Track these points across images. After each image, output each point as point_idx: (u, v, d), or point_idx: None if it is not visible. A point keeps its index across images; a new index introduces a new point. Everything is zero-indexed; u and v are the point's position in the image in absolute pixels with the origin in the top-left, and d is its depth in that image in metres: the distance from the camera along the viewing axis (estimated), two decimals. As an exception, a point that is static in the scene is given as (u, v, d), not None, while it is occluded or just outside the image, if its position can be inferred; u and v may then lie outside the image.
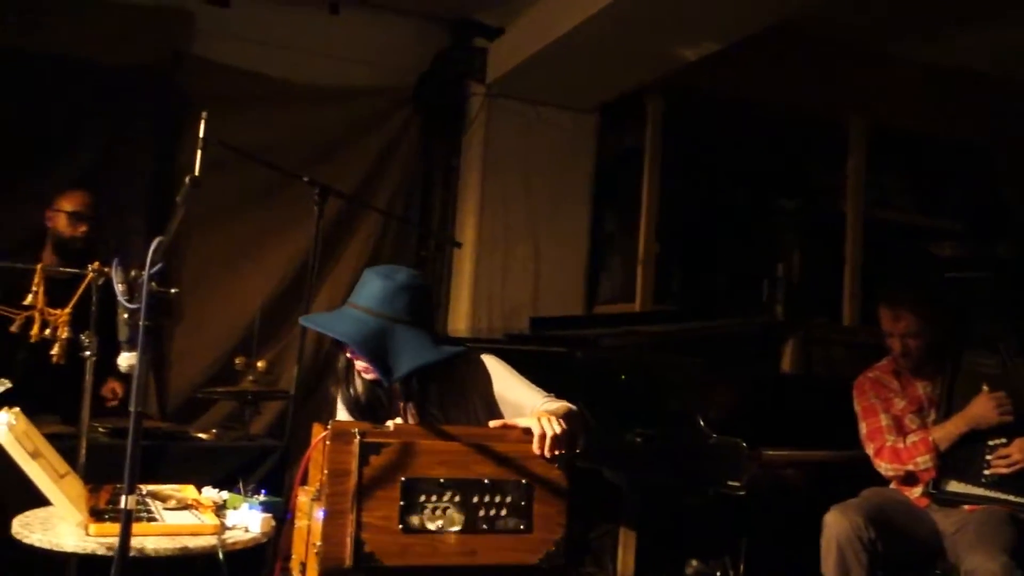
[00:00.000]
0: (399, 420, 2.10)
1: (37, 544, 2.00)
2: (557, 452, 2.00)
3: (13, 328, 2.55)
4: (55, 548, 1.99)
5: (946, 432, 3.03)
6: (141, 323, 1.77)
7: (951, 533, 2.97)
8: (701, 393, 3.31)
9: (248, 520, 2.18)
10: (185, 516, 2.19)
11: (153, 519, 2.12)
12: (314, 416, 2.23)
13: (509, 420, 2.09)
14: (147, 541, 1.98)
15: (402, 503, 1.92)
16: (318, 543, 1.87)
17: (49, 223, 3.50)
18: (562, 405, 2.16)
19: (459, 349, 2.24)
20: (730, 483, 3.05)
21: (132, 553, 1.80)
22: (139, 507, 2.16)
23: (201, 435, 3.18)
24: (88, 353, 2.54)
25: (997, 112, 5.75)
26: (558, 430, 1.98)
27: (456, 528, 1.96)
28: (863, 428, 3.21)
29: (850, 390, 3.32)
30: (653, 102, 5.18)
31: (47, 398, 2.95)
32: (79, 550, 1.98)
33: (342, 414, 2.29)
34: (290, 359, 4.28)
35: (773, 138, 5.51)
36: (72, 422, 2.83)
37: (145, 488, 2.34)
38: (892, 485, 3.19)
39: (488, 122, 5.11)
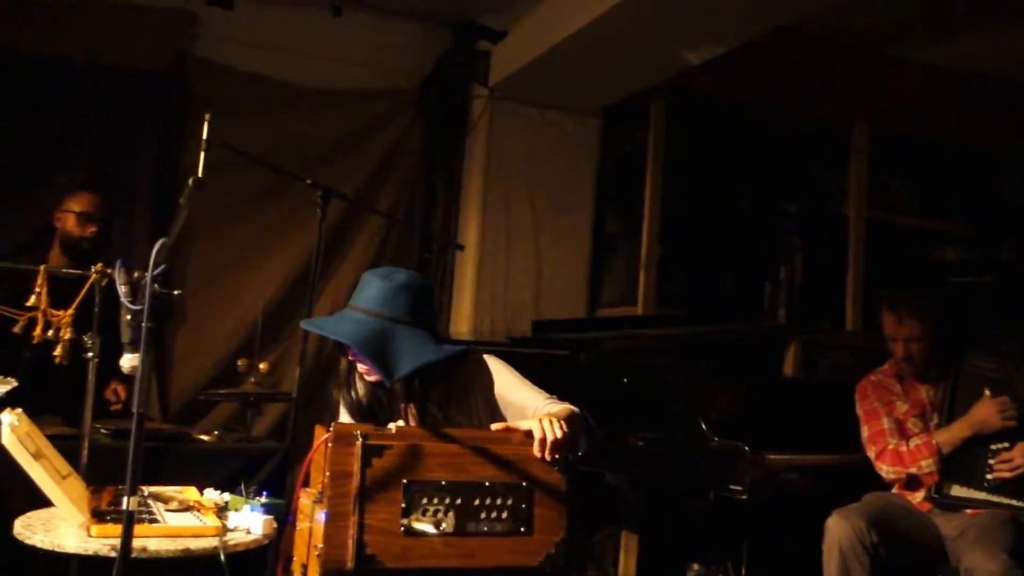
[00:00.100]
0: (401, 422, 2.10)
1: (39, 545, 2.00)
2: (557, 455, 2.01)
3: (16, 329, 2.56)
4: (57, 549, 1.99)
5: (950, 435, 3.03)
6: (144, 324, 1.78)
7: (953, 537, 2.97)
8: (703, 396, 3.31)
9: (250, 522, 2.19)
10: (187, 518, 2.19)
11: (155, 521, 2.12)
12: (316, 418, 2.23)
13: (511, 423, 2.09)
14: (149, 542, 1.99)
15: (404, 505, 1.92)
16: (320, 545, 1.88)
17: (58, 223, 3.52)
18: (564, 407, 2.16)
19: (461, 348, 2.24)
20: (732, 487, 3.05)
21: (134, 554, 1.80)
22: (141, 509, 2.16)
23: (203, 437, 3.18)
24: (91, 354, 2.54)
25: (1001, 115, 5.75)
26: (559, 434, 1.98)
27: (457, 530, 1.96)
28: (865, 431, 3.21)
29: (852, 394, 3.32)
30: (656, 105, 5.18)
31: (50, 399, 2.95)
32: (81, 551, 1.98)
33: (344, 418, 2.29)
34: (292, 361, 4.26)
35: (776, 141, 5.51)
36: (74, 423, 2.83)
37: (147, 490, 2.34)
38: (894, 489, 3.18)
39: (491, 125, 5.11)
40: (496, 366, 2.27)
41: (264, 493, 2.31)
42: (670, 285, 5.25)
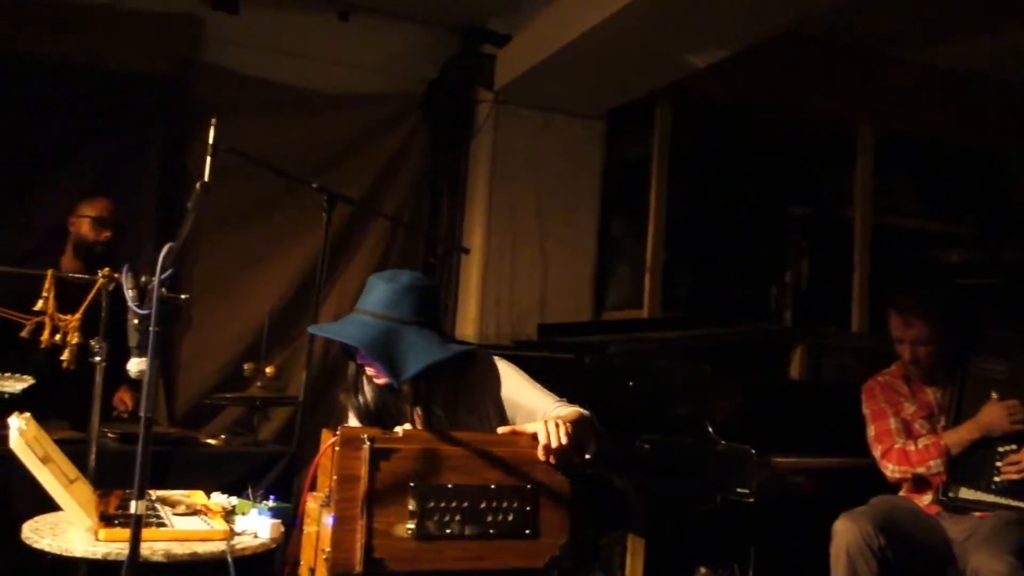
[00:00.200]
0: (408, 425, 2.10)
1: (47, 549, 2.01)
2: (560, 459, 2.01)
3: (23, 333, 2.57)
4: (65, 553, 1.99)
5: (958, 437, 3.02)
6: (152, 329, 1.78)
7: (961, 540, 2.96)
8: (709, 400, 3.30)
9: (257, 526, 2.19)
10: (194, 522, 2.19)
11: (163, 524, 2.13)
12: (322, 422, 2.23)
13: (517, 426, 2.09)
14: (157, 546, 1.99)
15: (411, 509, 1.92)
16: (327, 549, 1.87)
17: (72, 228, 3.54)
18: (573, 410, 2.16)
19: (469, 347, 2.24)
20: (739, 490, 3.05)
21: (141, 559, 1.81)
22: (149, 512, 2.16)
23: (210, 441, 3.19)
24: (98, 359, 2.55)
25: (1006, 116, 5.74)
26: (564, 439, 1.98)
27: (464, 533, 1.96)
28: (871, 430, 3.20)
29: (858, 397, 3.31)
30: (662, 108, 5.18)
31: (57, 403, 2.96)
32: (89, 555, 1.98)
33: (353, 423, 2.28)
34: (298, 365, 4.29)
35: (781, 144, 5.51)
36: (82, 427, 2.84)
37: (154, 494, 2.35)
38: (902, 492, 3.17)
39: (496, 129, 5.12)
40: (505, 369, 2.27)
41: (271, 497, 2.32)
42: (675, 288, 5.25)
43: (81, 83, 4.32)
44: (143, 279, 1.92)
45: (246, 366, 3.32)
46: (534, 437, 2.01)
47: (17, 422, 2.02)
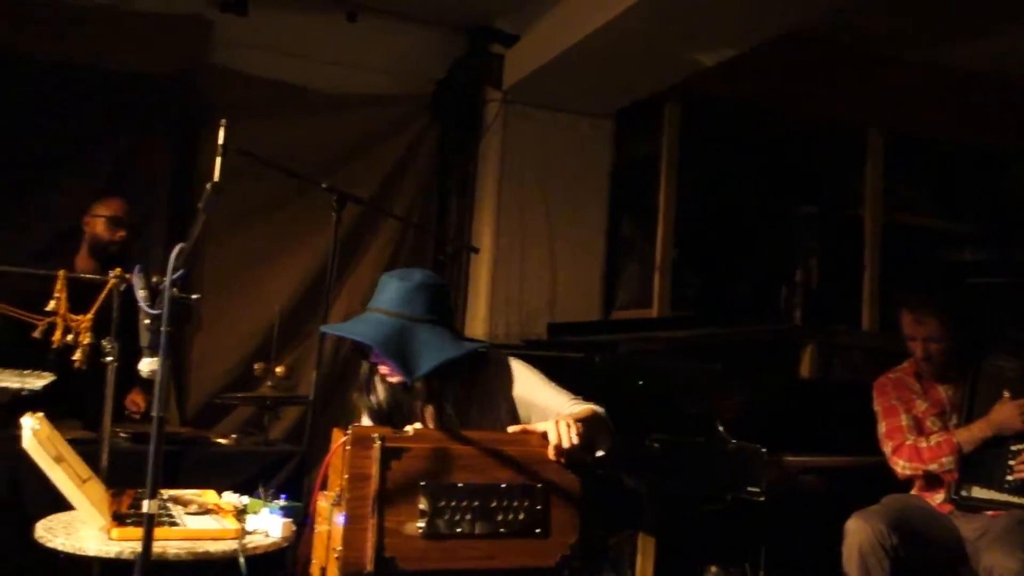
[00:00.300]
0: (419, 424, 2.11)
1: (60, 548, 2.02)
2: (568, 457, 2.01)
3: (36, 334, 2.58)
4: (78, 552, 2.00)
5: (971, 435, 3.01)
6: (163, 329, 1.79)
7: (973, 539, 2.95)
8: (720, 399, 3.30)
9: (268, 525, 2.20)
10: (206, 521, 2.20)
11: (175, 524, 2.13)
12: (333, 421, 2.24)
13: (528, 425, 2.09)
14: (169, 545, 2.00)
15: (422, 508, 1.92)
16: (338, 548, 1.88)
17: (86, 227, 3.55)
18: (586, 408, 2.17)
19: (483, 345, 2.24)
20: (750, 489, 3.04)
21: (154, 557, 1.81)
22: (161, 512, 2.17)
23: (221, 440, 3.20)
24: (110, 359, 2.56)
25: (1015, 116, 5.71)
26: (575, 438, 1.98)
27: (475, 532, 1.96)
28: (882, 426, 3.19)
29: (869, 395, 3.30)
30: (670, 108, 5.17)
31: (70, 403, 2.97)
32: (102, 554, 1.99)
33: (366, 423, 2.29)
34: (309, 364, 4.28)
35: (790, 143, 5.49)
36: (94, 427, 2.85)
37: (166, 493, 2.35)
38: (914, 491, 3.16)
39: (505, 128, 5.12)
40: (519, 368, 2.28)
41: (282, 496, 2.32)
42: (685, 288, 5.25)
43: (93, 85, 4.33)
44: (154, 279, 1.92)
45: (256, 366, 3.32)
46: (544, 436, 2.01)
47: (30, 422, 2.03)
